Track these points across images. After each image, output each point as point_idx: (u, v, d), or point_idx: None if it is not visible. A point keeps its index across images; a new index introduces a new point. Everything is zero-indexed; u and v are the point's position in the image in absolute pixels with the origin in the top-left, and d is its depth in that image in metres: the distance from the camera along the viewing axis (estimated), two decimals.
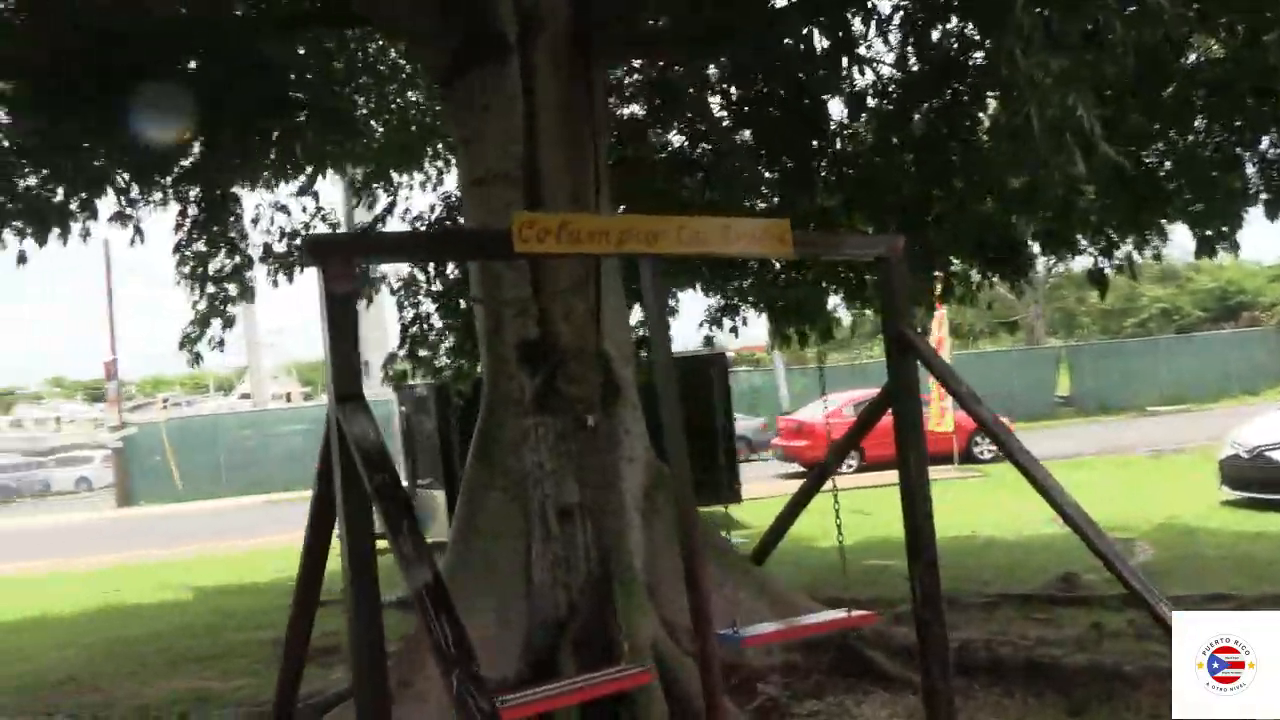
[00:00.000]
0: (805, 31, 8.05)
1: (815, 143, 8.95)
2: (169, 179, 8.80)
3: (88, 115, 6.30)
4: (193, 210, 9.27)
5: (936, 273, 9.25)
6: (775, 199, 9.61)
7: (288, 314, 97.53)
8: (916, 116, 8.50)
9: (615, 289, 5.81)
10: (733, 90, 9.34)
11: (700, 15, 6.33)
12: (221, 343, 9.89)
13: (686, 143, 9.96)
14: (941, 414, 18.47)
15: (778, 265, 10.17)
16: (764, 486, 18.27)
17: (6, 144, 7.33)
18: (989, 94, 8.04)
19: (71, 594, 12.44)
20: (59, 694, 7.27)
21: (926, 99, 8.28)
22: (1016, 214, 8.45)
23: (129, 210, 8.63)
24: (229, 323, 9.81)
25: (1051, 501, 4.21)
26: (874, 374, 32.62)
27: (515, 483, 5.48)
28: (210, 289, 9.56)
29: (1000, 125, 8.08)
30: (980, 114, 8.33)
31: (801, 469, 20.53)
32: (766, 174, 9.50)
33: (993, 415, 4.47)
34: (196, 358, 9.85)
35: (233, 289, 9.70)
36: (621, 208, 9.50)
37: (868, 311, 11.13)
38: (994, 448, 20.66)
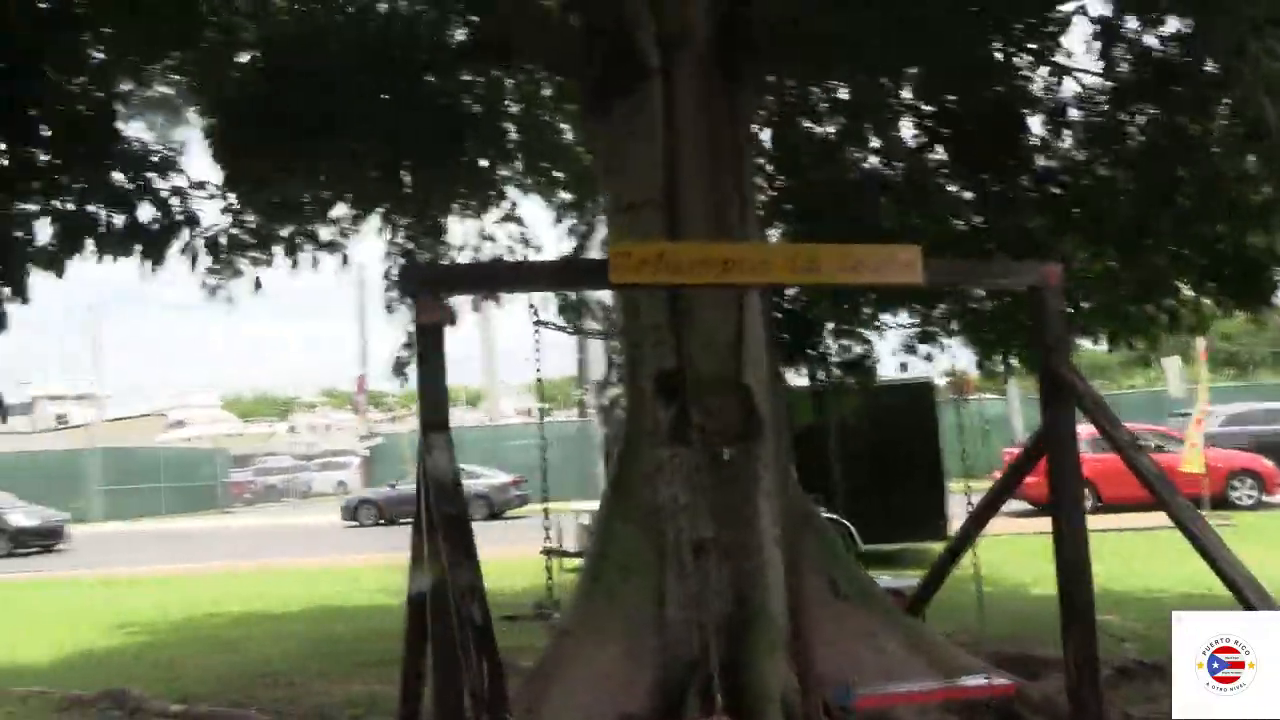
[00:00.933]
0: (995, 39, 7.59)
1: (1015, 160, 8.35)
2: (380, 209, 9.35)
3: (307, 154, 6.73)
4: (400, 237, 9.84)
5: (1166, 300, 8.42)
6: (978, 220, 9.05)
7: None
8: (1131, 128, 7.76)
9: (758, 319, 5.59)
10: (924, 106, 8.88)
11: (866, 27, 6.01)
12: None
13: (882, 163, 9.53)
14: (1191, 452, 16.69)
15: (982, 290, 9.54)
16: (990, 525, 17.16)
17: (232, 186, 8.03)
18: (1216, 98, 7.19)
19: (300, 591, 13.46)
20: (255, 686, 7.79)
21: (1141, 108, 7.54)
22: (1253, 231, 7.55)
23: (341, 239, 9.26)
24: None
25: (1213, 564, 3.65)
26: (1127, 405, 30.11)
27: (649, 516, 5.37)
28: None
29: (1231, 131, 7.24)
30: (1206, 122, 7.47)
31: (1028, 506, 19.15)
32: (966, 195, 8.94)
33: (1156, 467, 3.92)
34: (406, 378, 10.43)
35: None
36: (775, 230, 9.32)
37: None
38: (1253, 492, 18.65)
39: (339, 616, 11.44)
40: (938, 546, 13.80)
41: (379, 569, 16.01)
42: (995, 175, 8.56)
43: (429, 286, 3.45)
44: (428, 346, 3.45)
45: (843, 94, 8.92)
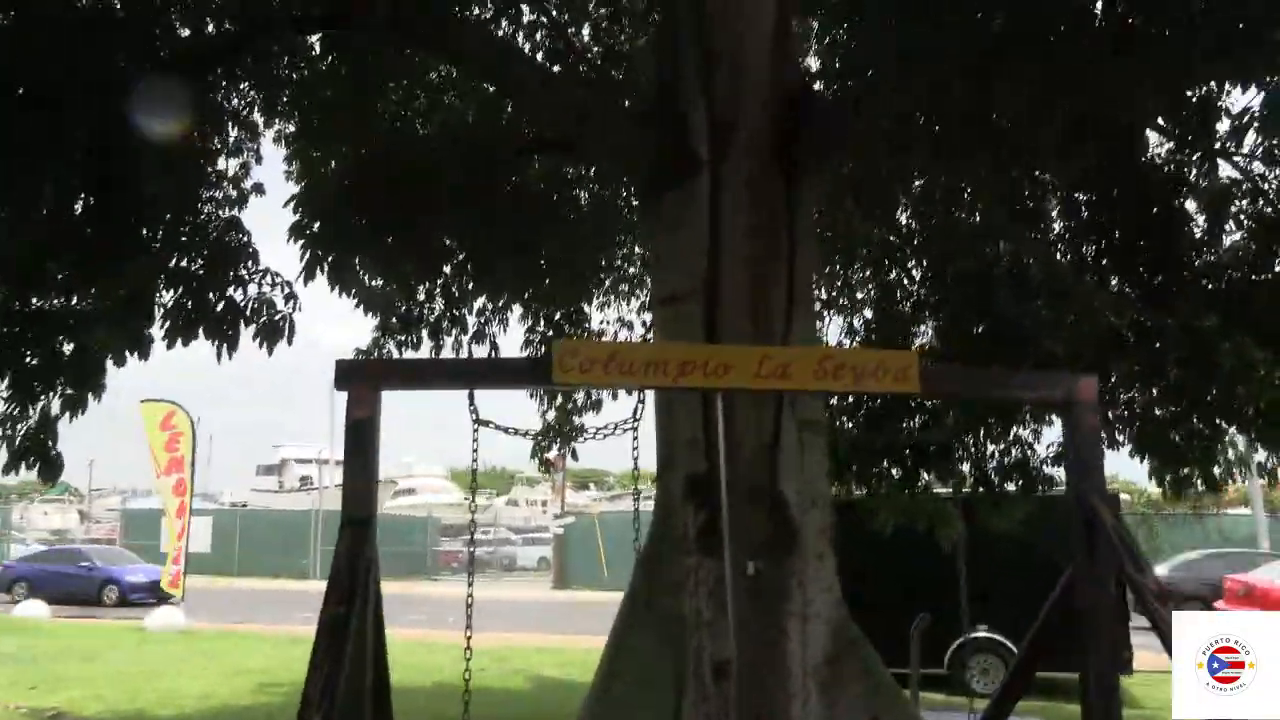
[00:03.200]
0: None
1: (1173, 253, 7.51)
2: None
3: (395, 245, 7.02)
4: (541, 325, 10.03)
5: None
6: (1139, 318, 8.16)
7: None
8: None
9: (814, 426, 5.19)
10: (1076, 195, 8.18)
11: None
12: (575, 452, 10.66)
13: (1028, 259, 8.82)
14: None
15: (1154, 392, 8.56)
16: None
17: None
18: None
19: (444, 663, 13.69)
20: None
21: None
22: None
23: (488, 329, 9.53)
24: (578, 432, 10.41)
25: None
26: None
27: (670, 628, 5.03)
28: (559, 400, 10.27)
29: None
30: None
31: None
32: (1116, 291, 8.09)
33: None
34: (546, 466, 10.55)
35: (579, 398, 10.33)
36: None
37: None
38: None
39: (474, 695, 11.49)
40: (1125, 683, 12.37)
41: (535, 649, 16.15)
42: (1153, 269, 7.74)
43: (362, 381, 3.41)
44: (359, 441, 3.39)
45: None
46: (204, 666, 13.71)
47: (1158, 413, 8.52)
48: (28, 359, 5.14)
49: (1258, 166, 7.08)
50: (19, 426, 5.16)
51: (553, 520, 33.65)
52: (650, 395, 5.01)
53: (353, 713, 3.24)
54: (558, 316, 9.69)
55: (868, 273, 9.77)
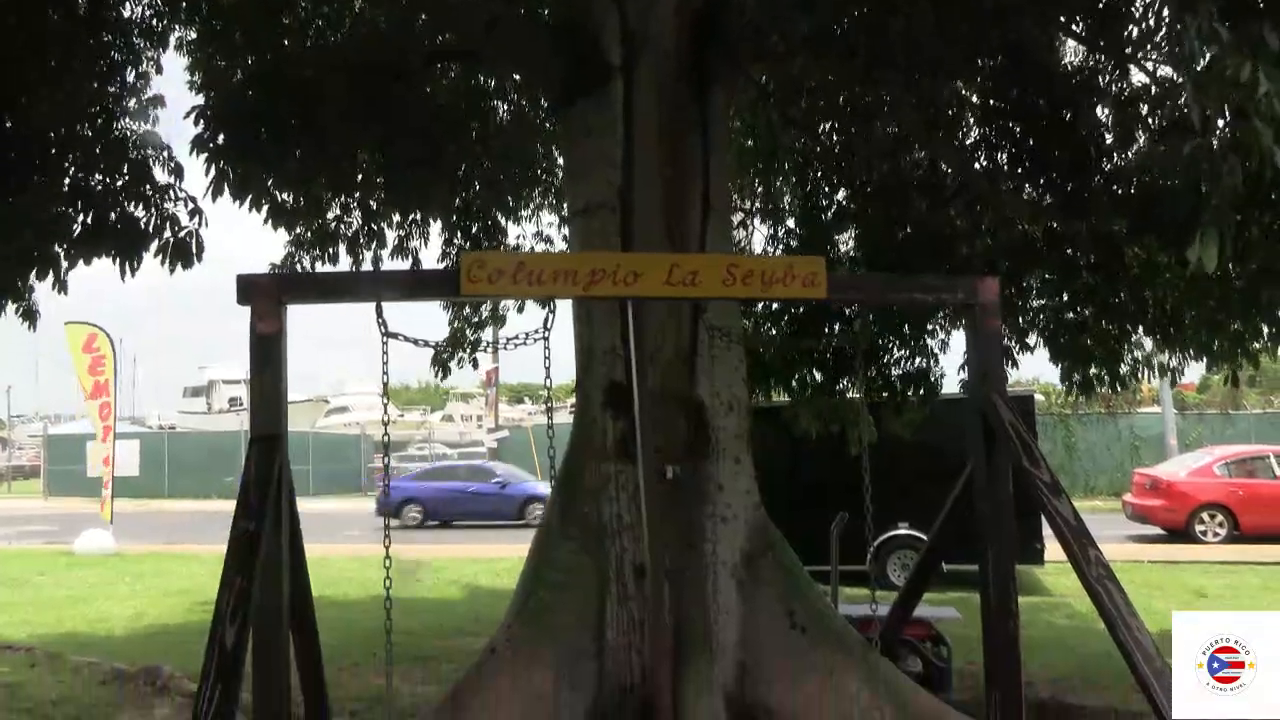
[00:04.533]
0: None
1: (1086, 157, 7.63)
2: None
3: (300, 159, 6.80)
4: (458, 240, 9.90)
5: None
6: (1052, 224, 8.33)
7: None
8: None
9: (728, 333, 5.27)
10: (990, 103, 8.23)
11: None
12: (475, 361, 10.68)
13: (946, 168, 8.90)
14: None
15: (1065, 296, 8.78)
16: (1108, 549, 16.06)
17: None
18: None
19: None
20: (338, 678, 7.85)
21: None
22: None
23: (408, 244, 9.37)
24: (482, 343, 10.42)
25: (1111, 630, 3.17)
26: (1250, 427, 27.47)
27: (590, 534, 5.14)
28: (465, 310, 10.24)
29: None
30: None
31: (1158, 531, 17.71)
32: (1030, 198, 8.23)
33: (1075, 517, 3.43)
34: (444, 371, 10.52)
35: (485, 312, 10.31)
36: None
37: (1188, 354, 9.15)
38: None
39: (407, 608, 11.66)
40: (1035, 570, 13.00)
41: (470, 560, 16.36)
42: (1066, 176, 7.87)
43: (265, 295, 3.36)
44: (264, 356, 3.36)
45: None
46: (134, 588, 13.64)
47: (1069, 317, 8.77)
48: None
49: (1165, 70, 7.17)
50: None
51: (487, 434, 33.73)
52: (561, 306, 5.03)
53: (270, 626, 3.28)
54: (475, 229, 9.58)
55: (792, 181, 9.80)
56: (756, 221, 10.09)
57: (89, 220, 5.26)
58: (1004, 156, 8.37)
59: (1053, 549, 13.33)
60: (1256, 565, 14.48)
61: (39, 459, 40.32)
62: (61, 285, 5.74)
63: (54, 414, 61.38)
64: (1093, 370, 8.46)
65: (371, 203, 8.61)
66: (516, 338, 3.73)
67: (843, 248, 9.35)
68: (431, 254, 12.34)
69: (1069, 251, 8.13)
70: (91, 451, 20.41)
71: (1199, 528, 17.01)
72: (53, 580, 14.51)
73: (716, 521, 5.16)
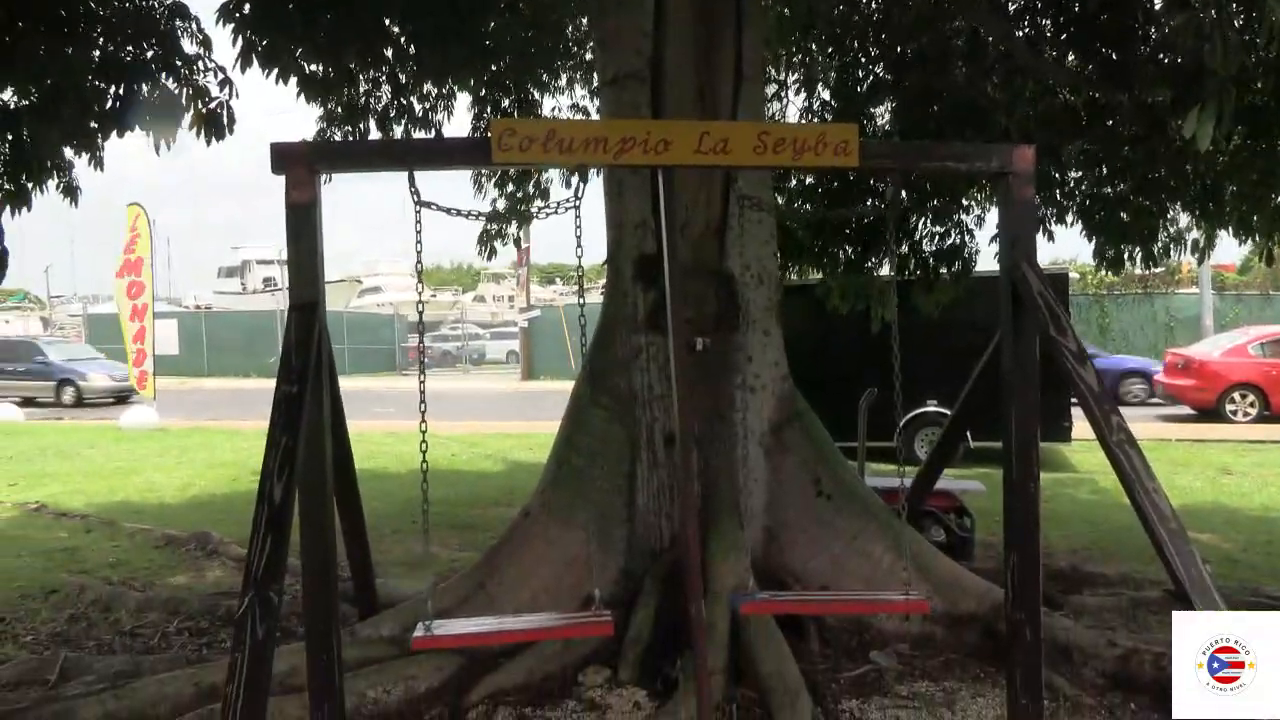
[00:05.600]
0: None
1: (1130, 27, 7.36)
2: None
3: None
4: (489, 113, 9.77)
5: None
6: (1094, 95, 8.10)
7: None
8: None
9: (759, 203, 5.25)
10: None
11: None
12: (517, 240, 10.69)
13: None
14: None
15: (1103, 170, 8.60)
16: (1136, 429, 16.11)
17: None
18: None
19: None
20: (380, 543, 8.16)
21: None
22: None
23: (433, 117, 9.27)
24: (521, 216, 10.40)
25: (1129, 492, 3.24)
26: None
27: (621, 403, 5.25)
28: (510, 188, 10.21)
29: None
30: None
31: (1189, 411, 17.71)
32: (1073, 68, 7.98)
33: (1099, 384, 3.47)
34: (491, 252, 10.55)
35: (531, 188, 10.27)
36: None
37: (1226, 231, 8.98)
38: None
39: (444, 480, 11.99)
40: (1064, 451, 13.12)
41: (504, 435, 16.71)
42: (1110, 45, 7.61)
43: (300, 164, 3.39)
44: (300, 226, 3.41)
45: None
46: (180, 460, 14.11)
47: (1106, 191, 8.61)
48: None
49: None
50: None
51: (519, 314, 33.95)
52: (594, 176, 5.02)
53: (315, 484, 3.42)
54: (506, 104, 9.47)
55: (828, 51, 9.55)
56: (791, 94, 9.89)
57: (120, 92, 5.27)
58: (1047, 23, 8.11)
59: (1081, 428, 13.43)
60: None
61: (79, 338, 41.16)
62: (98, 162, 5.79)
63: (92, 295, 62.23)
64: (1125, 247, 8.35)
65: (401, 75, 8.52)
66: (549, 205, 3.75)
67: (879, 121, 9.18)
68: (460, 129, 12.23)
69: (1110, 123, 7.95)
70: (127, 331, 20.67)
71: (1229, 407, 16.98)
72: (102, 453, 15.01)
73: (745, 391, 5.24)
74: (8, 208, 4.92)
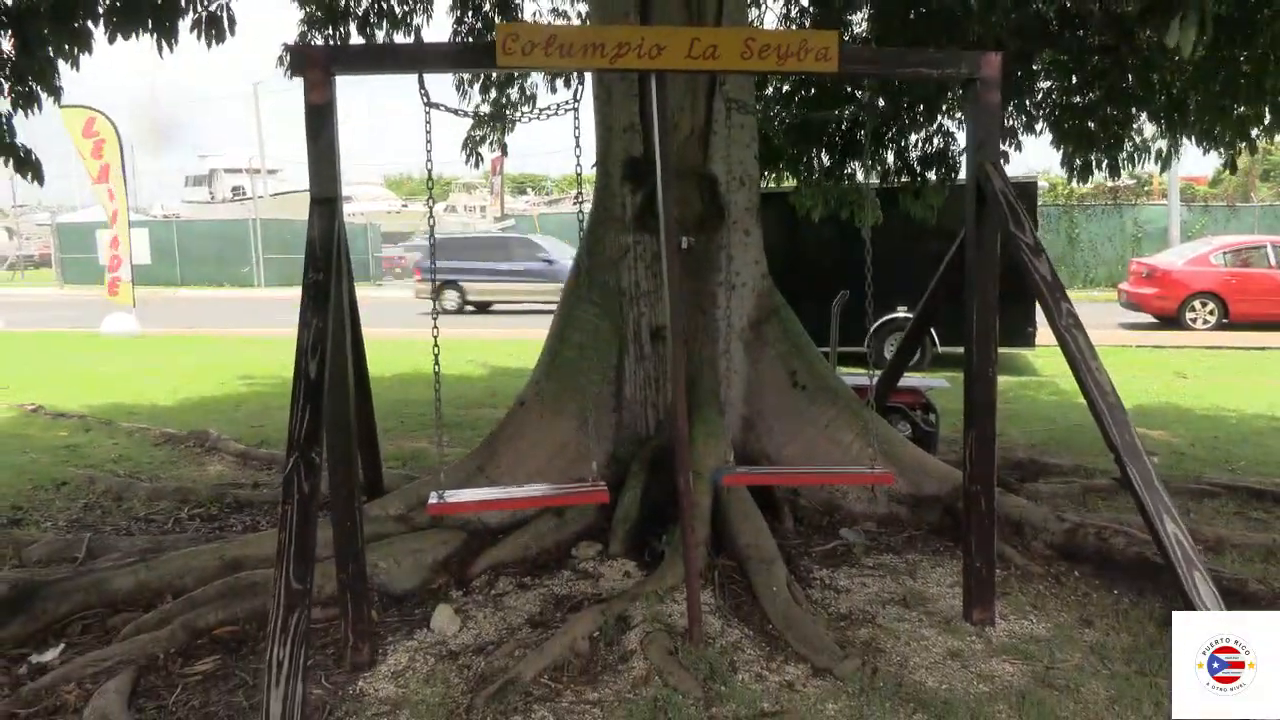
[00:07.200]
0: None
1: None
2: None
3: None
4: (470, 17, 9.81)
5: None
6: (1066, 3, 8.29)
7: None
8: None
9: (744, 106, 5.49)
10: None
11: None
12: (505, 146, 10.82)
13: None
14: None
15: (1073, 79, 8.83)
16: (1098, 335, 16.67)
17: None
18: None
19: (404, 358, 14.45)
20: None
21: None
22: None
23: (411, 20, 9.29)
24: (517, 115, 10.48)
25: (1074, 370, 3.61)
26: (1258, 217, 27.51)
27: (611, 299, 5.57)
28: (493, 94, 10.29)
29: None
30: None
31: (1150, 319, 18.28)
32: None
33: (1053, 276, 3.81)
34: (477, 159, 10.67)
35: (513, 93, 10.35)
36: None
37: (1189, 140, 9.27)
38: None
39: (427, 383, 12.27)
40: (1026, 353, 13.62)
41: (485, 342, 17.02)
42: None
43: (318, 66, 3.60)
44: (318, 126, 3.63)
45: None
46: (165, 366, 14.32)
47: (1076, 100, 8.86)
48: None
49: None
50: None
51: (492, 224, 33.98)
52: (589, 81, 5.23)
53: (338, 361, 3.73)
54: (486, 7, 9.51)
55: None
56: (769, 0, 9.98)
57: None
58: None
59: (1044, 334, 13.91)
60: (1240, 350, 15.10)
61: (49, 248, 40.66)
62: (74, 62, 5.85)
63: (57, 204, 61.20)
64: (1092, 155, 8.62)
65: None
66: (548, 108, 3.99)
67: (856, 30, 9.32)
68: (439, 34, 12.19)
69: (1080, 33, 8.16)
70: (101, 238, 20.59)
71: (1189, 315, 17.54)
72: (87, 359, 15.18)
73: (727, 289, 5.56)
74: (19, 110, 5.06)
